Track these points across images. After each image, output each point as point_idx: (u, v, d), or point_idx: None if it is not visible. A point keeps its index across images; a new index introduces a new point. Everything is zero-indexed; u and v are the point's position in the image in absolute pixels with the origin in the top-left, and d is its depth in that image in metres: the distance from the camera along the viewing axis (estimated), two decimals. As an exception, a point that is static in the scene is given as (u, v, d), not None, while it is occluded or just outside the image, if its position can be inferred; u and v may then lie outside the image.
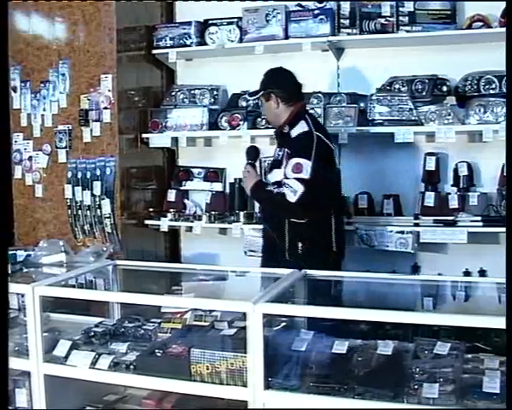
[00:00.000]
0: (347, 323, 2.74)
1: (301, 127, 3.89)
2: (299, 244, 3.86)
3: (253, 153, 4.13)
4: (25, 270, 3.43)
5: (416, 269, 4.58)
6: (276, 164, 3.94)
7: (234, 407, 2.65)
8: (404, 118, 4.45)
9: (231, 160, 4.70)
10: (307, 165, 3.74)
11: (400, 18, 4.53)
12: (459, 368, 2.49)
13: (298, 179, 3.74)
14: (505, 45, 2.45)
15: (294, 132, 3.90)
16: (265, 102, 4.02)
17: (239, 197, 4.84)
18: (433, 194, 4.54)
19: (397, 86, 4.62)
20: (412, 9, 4.50)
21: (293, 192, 3.72)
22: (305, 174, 3.73)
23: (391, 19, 4.55)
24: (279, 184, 3.83)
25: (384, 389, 2.38)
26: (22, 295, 3.31)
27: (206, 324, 2.86)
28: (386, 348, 2.62)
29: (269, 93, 3.98)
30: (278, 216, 3.92)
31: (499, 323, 2.15)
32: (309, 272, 3.14)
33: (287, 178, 3.78)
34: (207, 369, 2.55)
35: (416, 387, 2.40)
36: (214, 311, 2.89)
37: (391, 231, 4.45)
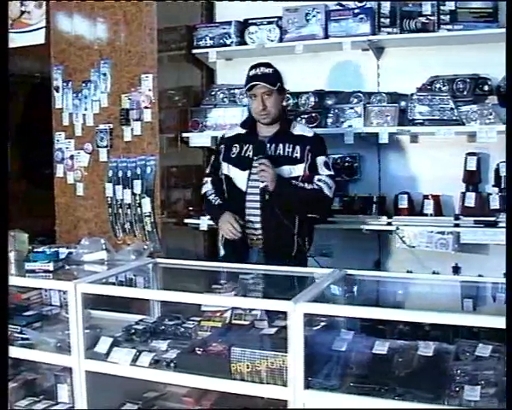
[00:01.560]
0: (387, 323, 2.74)
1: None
2: (306, 243, 4.00)
3: (262, 148, 3.98)
4: (67, 267, 3.46)
5: (456, 270, 4.53)
6: (288, 160, 3.92)
7: (273, 407, 2.65)
8: (445, 117, 4.41)
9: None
10: (330, 163, 4.05)
11: (441, 17, 4.48)
12: (501, 371, 2.46)
13: (330, 176, 3.92)
14: (505, 45, 2.42)
15: (306, 132, 4.04)
16: (278, 95, 4.00)
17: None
18: (473, 194, 4.50)
19: (438, 86, 4.58)
20: (453, 8, 4.45)
21: (330, 188, 3.88)
22: (332, 171, 3.99)
23: (432, 17, 4.51)
24: (297, 179, 3.88)
25: (425, 390, 2.37)
26: (64, 292, 3.37)
27: (247, 322, 2.87)
28: (427, 349, 2.60)
29: (283, 88, 4.08)
30: (298, 213, 3.93)
31: (499, 323, 2.17)
32: (349, 271, 3.13)
33: (319, 174, 3.90)
34: (247, 368, 2.55)
35: (457, 389, 2.38)
36: (254, 310, 2.90)
37: (431, 232, 4.40)
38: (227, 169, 4.02)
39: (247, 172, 3.94)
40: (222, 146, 4.11)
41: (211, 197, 4.06)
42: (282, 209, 3.83)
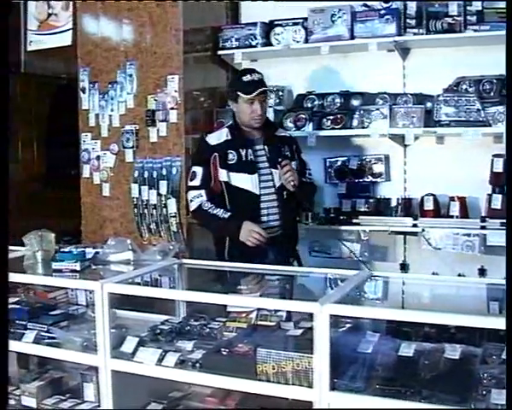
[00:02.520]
0: (413, 325, 2.73)
1: (280, 129, 4.45)
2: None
3: (278, 150, 4.16)
4: (93, 267, 3.47)
5: (482, 272, 4.50)
6: (285, 159, 4.08)
7: (298, 408, 2.65)
8: (471, 119, 4.37)
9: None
10: None
11: (468, 17, 4.45)
12: (529, 374, 2.44)
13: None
14: (505, 46, 2.40)
15: (285, 133, 4.42)
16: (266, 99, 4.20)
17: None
18: (500, 196, 4.45)
19: (464, 87, 4.56)
20: (480, 8, 4.42)
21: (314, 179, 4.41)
22: None
23: (458, 18, 4.48)
24: None
25: (451, 393, 2.34)
26: (90, 292, 3.39)
27: (272, 324, 2.87)
28: (453, 352, 2.59)
29: None
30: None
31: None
32: (375, 273, 3.13)
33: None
34: (273, 369, 2.55)
35: (484, 393, 2.36)
36: (280, 311, 2.90)
37: (457, 234, 4.39)
38: (226, 176, 4.02)
39: (255, 175, 4.03)
40: (215, 154, 4.05)
41: (215, 211, 3.97)
42: (296, 205, 4.24)
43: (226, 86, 4.43)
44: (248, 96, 3.99)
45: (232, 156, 4.02)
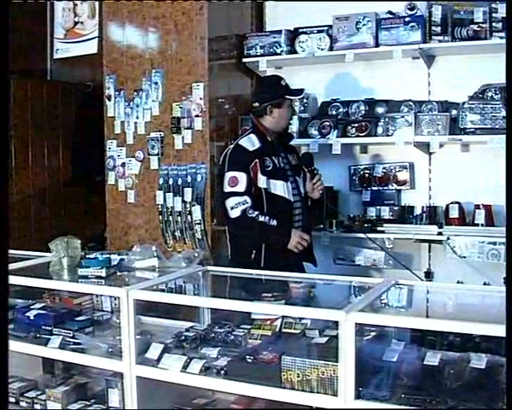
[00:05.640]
0: (438, 334, 2.71)
1: None
2: None
3: (312, 159, 4.26)
4: (118, 273, 3.48)
5: (508, 281, 4.46)
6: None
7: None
8: (497, 126, 4.34)
9: (321, 168, 4.65)
10: None
11: (493, 24, 4.43)
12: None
13: None
14: (505, 47, 2.38)
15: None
16: None
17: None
18: (526, 204, 4.42)
19: (490, 94, 4.52)
20: (506, 15, 4.41)
21: None
22: None
23: (483, 25, 4.46)
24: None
25: (477, 403, 2.32)
26: (115, 298, 3.41)
27: (297, 331, 2.87)
28: (479, 361, 2.57)
29: None
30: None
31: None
32: (400, 281, 3.11)
33: None
34: (298, 376, 2.55)
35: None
36: (304, 318, 2.90)
37: (482, 242, 4.35)
38: (265, 183, 3.98)
39: (289, 182, 4.07)
40: (256, 160, 3.97)
41: (262, 218, 3.90)
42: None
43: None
44: (298, 97, 4.26)
45: (268, 163, 4.01)
